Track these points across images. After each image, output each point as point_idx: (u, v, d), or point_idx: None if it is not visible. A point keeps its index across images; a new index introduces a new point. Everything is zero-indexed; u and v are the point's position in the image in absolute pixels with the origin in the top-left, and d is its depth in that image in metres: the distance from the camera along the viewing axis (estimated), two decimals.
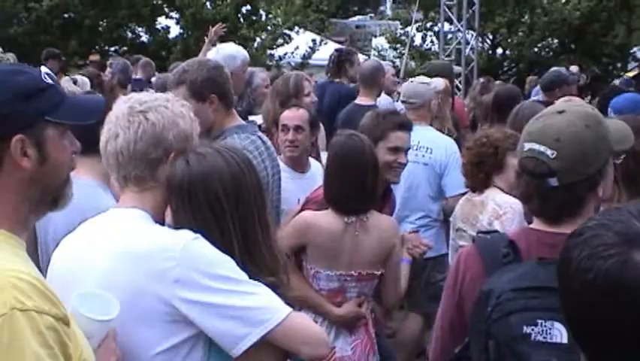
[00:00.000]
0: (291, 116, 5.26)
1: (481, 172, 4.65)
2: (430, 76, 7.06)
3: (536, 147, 2.46)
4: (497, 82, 11.48)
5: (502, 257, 2.52)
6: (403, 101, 6.24)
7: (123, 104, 2.60)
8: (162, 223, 2.58)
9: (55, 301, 1.82)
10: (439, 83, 6.70)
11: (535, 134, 2.49)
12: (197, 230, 2.49)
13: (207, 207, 2.55)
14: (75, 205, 2.17)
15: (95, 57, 14.86)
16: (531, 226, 2.66)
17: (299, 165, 5.22)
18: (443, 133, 6.21)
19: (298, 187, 4.87)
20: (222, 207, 2.54)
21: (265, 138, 4.34)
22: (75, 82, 7.09)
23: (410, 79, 6.69)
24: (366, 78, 7.42)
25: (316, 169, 5.25)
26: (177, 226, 2.55)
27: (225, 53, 6.04)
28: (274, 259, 2.63)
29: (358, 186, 4.01)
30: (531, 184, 2.50)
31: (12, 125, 1.91)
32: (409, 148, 4.63)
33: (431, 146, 5.91)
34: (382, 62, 9.15)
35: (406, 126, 4.58)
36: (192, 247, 2.42)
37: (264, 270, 2.56)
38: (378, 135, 4.48)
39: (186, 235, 2.45)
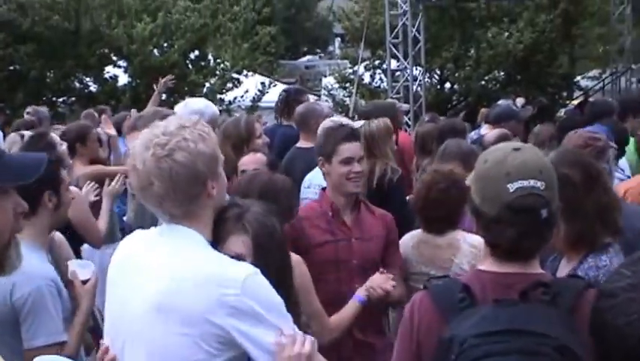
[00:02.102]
0: (250, 160, 5.33)
1: (445, 212, 4.61)
2: (374, 116, 7.07)
3: (525, 183, 2.47)
4: (442, 118, 11.57)
5: (458, 302, 2.51)
6: None
7: (145, 150, 2.59)
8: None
9: None
10: (358, 123, 6.68)
11: (517, 172, 2.48)
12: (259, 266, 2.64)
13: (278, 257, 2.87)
14: None
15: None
16: (481, 268, 2.65)
17: None
18: (386, 172, 6.17)
19: None
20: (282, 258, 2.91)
21: None
22: (22, 137, 6.99)
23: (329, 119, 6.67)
24: (299, 122, 7.40)
25: None
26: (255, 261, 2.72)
27: (193, 108, 5.98)
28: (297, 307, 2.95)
29: None
30: (522, 223, 2.48)
31: None
32: (361, 157, 4.71)
33: (323, 183, 5.89)
34: (324, 103, 9.13)
35: (354, 136, 4.72)
36: (254, 280, 2.55)
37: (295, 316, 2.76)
38: (329, 151, 4.66)
39: (248, 267, 2.58)
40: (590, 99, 21.63)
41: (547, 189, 2.49)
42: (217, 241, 2.85)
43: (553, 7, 22.90)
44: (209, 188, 2.64)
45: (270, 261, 2.82)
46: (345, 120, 6.33)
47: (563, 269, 3.30)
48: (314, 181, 6.11)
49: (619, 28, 21.34)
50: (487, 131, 8.10)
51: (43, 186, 3.74)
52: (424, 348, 2.61)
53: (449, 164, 5.05)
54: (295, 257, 3.76)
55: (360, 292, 4.33)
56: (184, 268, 2.56)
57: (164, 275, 2.56)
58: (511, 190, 2.46)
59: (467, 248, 4.47)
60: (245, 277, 2.53)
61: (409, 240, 4.81)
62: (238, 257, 2.77)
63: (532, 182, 2.47)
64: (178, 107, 6.10)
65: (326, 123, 6.26)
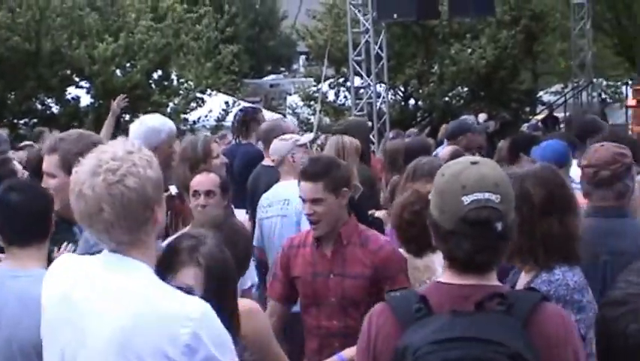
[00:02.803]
0: (202, 181, 5.23)
1: (418, 233, 4.56)
2: (348, 133, 7.08)
3: (480, 196, 2.47)
4: (407, 134, 11.60)
5: (414, 312, 2.50)
6: (272, 160, 6.27)
7: (94, 176, 2.54)
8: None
9: None
10: (306, 137, 6.67)
11: (473, 186, 2.49)
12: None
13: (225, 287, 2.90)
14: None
15: None
16: (439, 280, 2.68)
17: None
18: None
19: None
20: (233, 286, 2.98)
21: None
22: None
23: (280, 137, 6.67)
24: (264, 139, 7.39)
25: None
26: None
27: (149, 125, 5.83)
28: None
29: None
30: (477, 236, 2.49)
31: None
32: (317, 199, 4.40)
33: (288, 197, 5.87)
34: (288, 120, 9.15)
35: (304, 175, 4.47)
36: (208, 317, 2.54)
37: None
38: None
39: (202, 304, 2.56)
40: (555, 114, 22.02)
41: (502, 203, 2.50)
42: (167, 270, 2.82)
43: (515, 23, 23.19)
44: (156, 214, 2.62)
45: (223, 296, 2.83)
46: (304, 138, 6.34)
47: (521, 283, 3.31)
48: (275, 198, 6.09)
49: (580, 44, 21.58)
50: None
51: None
52: (381, 359, 2.60)
53: (420, 181, 4.99)
54: (253, 306, 3.74)
55: (346, 354, 4.13)
56: (141, 306, 2.53)
57: (120, 313, 2.52)
58: (467, 203, 2.47)
59: (441, 271, 4.42)
60: (199, 315, 2.52)
61: None
62: (188, 290, 2.73)
63: (487, 195, 2.48)
64: (134, 126, 6.00)
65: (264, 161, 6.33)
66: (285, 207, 5.94)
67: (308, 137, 6.76)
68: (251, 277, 5.07)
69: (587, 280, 3.33)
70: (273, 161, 6.29)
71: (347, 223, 4.48)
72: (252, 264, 5.07)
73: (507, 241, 2.56)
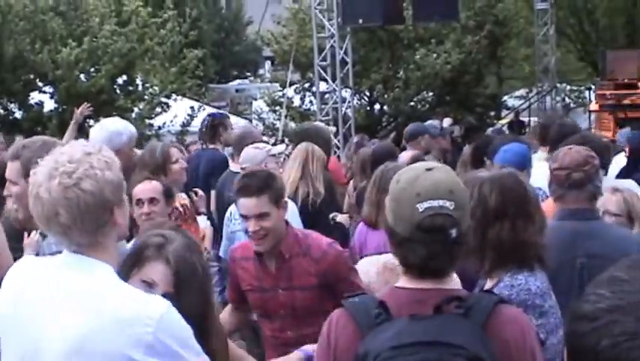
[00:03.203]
0: (144, 189, 5.22)
1: None
2: (310, 138, 7.07)
3: (435, 203, 2.49)
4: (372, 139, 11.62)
5: (374, 318, 2.52)
6: (241, 168, 6.14)
7: (50, 179, 2.51)
8: None
9: None
10: (279, 147, 6.64)
11: (427, 193, 2.51)
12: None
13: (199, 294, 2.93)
14: None
15: None
16: (397, 285, 2.68)
17: None
18: (309, 194, 6.17)
19: None
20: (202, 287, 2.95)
21: None
22: None
23: (251, 145, 6.64)
24: (234, 145, 7.38)
25: None
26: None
27: (110, 129, 5.86)
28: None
29: None
30: (432, 242, 2.51)
31: None
32: (263, 213, 4.22)
33: None
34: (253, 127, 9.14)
35: (245, 191, 4.26)
36: (170, 316, 2.52)
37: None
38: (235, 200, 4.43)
39: (161, 302, 2.53)
40: (521, 118, 22.18)
41: (457, 210, 2.52)
42: (135, 264, 2.83)
43: (479, 28, 23.31)
44: (115, 216, 2.60)
45: (191, 298, 2.83)
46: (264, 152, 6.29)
47: (486, 287, 3.32)
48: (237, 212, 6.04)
49: (543, 49, 21.76)
50: (410, 148, 8.23)
51: None
52: None
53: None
54: None
55: (310, 348, 3.95)
56: (101, 307, 2.51)
57: (81, 315, 2.50)
58: (421, 210, 2.49)
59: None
60: (160, 315, 2.50)
61: (371, 266, 4.65)
62: (150, 285, 2.73)
63: (441, 202, 2.50)
64: (94, 130, 5.98)
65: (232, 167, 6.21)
66: None
67: (280, 148, 6.72)
68: None
69: (564, 283, 3.35)
70: (242, 169, 6.23)
71: (287, 236, 4.33)
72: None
73: (462, 246, 2.59)
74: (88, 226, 2.53)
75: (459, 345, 2.38)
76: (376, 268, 4.37)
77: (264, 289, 4.39)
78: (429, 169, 2.59)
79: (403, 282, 2.64)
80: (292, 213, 5.17)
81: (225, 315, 4.56)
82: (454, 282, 2.68)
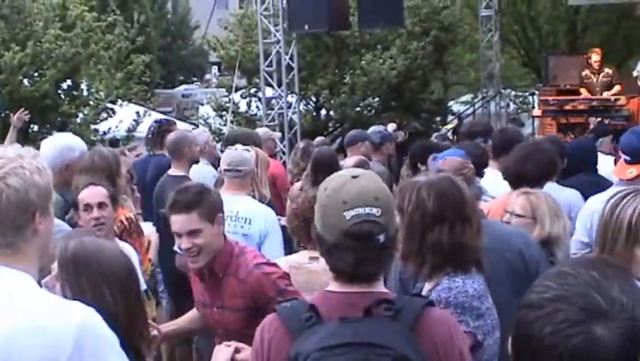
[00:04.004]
0: (92, 193, 5.18)
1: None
2: (241, 142, 7.09)
3: (361, 210, 2.54)
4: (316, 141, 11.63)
5: (304, 321, 2.57)
6: (227, 170, 6.03)
7: None
8: None
9: None
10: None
11: (354, 200, 2.55)
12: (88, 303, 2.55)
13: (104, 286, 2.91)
14: None
15: None
16: (328, 289, 2.73)
17: None
18: (254, 198, 6.19)
19: None
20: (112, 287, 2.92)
21: None
22: None
23: (230, 146, 6.62)
24: (171, 150, 7.37)
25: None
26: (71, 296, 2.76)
27: (62, 143, 5.85)
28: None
29: None
30: (360, 249, 2.56)
31: None
32: (194, 230, 4.13)
33: (250, 216, 5.80)
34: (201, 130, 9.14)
35: (175, 208, 4.15)
36: (89, 322, 2.45)
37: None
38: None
39: (82, 309, 2.47)
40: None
41: (383, 215, 2.57)
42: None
43: (425, 34, 23.49)
44: (36, 222, 2.53)
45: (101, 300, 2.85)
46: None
47: (425, 291, 3.37)
48: (233, 214, 5.97)
49: (488, 55, 21.98)
50: (350, 154, 8.33)
51: None
52: None
53: None
54: None
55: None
56: (20, 317, 2.43)
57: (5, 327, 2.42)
58: (348, 218, 2.54)
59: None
60: (80, 322, 2.43)
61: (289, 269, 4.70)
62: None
63: (367, 209, 2.54)
64: (45, 143, 5.96)
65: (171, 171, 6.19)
66: (246, 225, 5.78)
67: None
68: None
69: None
70: (227, 171, 6.06)
71: (222, 252, 4.22)
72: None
73: (389, 251, 2.65)
74: (6, 224, 2.47)
75: (387, 346, 2.43)
76: (285, 269, 4.44)
77: (205, 304, 4.37)
78: (355, 177, 2.63)
79: (334, 286, 2.69)
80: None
81: (191, 316, 4.58)
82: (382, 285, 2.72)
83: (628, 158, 5.17)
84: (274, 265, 4.31)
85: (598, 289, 1.63)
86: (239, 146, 6.39)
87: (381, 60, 22.34)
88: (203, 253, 4.16)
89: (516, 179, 5.39)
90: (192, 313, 4.60)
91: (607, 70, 15.53)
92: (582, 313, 1.60)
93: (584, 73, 15.46)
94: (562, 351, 1.58)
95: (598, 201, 5.20)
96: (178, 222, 4.13)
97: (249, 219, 5.79)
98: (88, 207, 5.13)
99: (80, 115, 20.39)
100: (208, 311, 4.35)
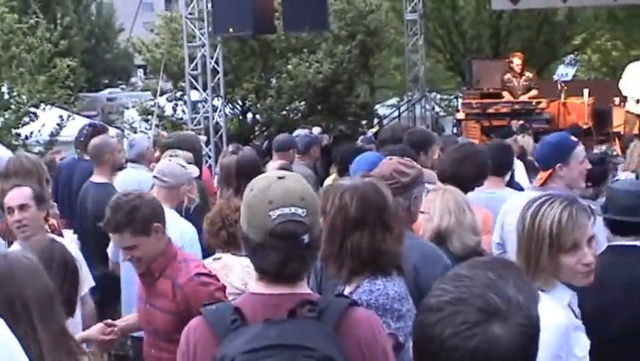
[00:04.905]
0: (13, 196, 5.16)
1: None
2: (177, 147, 7.04)
3: (287, 210, 2.56)
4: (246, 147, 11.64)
5: (229, 324, 2.57)
6: (155, 177, 6.00)
7: None
8: None
9: None
10: (195, 170, 6.53)
11: (279, 200, 2.57)
12: None
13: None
14: None
15: None
16: (252, 291, 2.76)
17: None
18: (183, 200, 6.15)
19: None
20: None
21: None
22: None
23: (169, 157, 6.52)
24: (92, 155, 7.26)
25: None
26: None
27: None
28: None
29: None
30: (286, 248, 2.58)
31: None
32: (129, 246, 4.31)
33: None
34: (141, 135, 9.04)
35: (108, 227, 4.33)
36: None
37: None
38: None
39: None
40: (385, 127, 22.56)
41: (308, 216, 2.59)
42: None
43: (351, 38, 23.61)
44: None
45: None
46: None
47: (346, 292, 3.39)
48: None
49: (413, 59, 22.18)
50: (277, 159, 8.37)
51: None
52: None
53: None
54: None
55: None
56: None
57: None
58: (273, 217, 2.56)
59: (240, 268, 4.54)
60: None
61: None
62: None
63: (292, 209, 2.57)
64: None
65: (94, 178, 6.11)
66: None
67: (195, 170, 6.55)
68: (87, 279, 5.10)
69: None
70: (159, 179, 6.01)
71: (163, 254, 4.35)
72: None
73: (314, 251, 2.68)
74: None
75: (311, 347, 2.45)
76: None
77: (141, 298, 4.46)
78: (281, 178, 2.65)
79: (258, 288, 2.70)
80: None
81: None
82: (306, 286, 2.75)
83: (537, 164, 5.38)
84: (214, 277, 4.37)
85: (494, 289, 1.67)
86: (179, 158, 6.31)
87: (307, 64, 22.38)
88: (142, 261, 4.33)
89: (453, 181, 5.44)
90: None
91: (528, 74, 15.82)
92: (480, 314, 1.63)
93: (506, 76, 15.71)
94: (462, 353, 1.62)
95: (510, 203, 5.35)
96: (114, 239, 4.42)
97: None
98: (10, 210, 5.12)
99: (1, 119, 19.98)
100: (142, 307, 4.43)
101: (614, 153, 12.00)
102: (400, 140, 7.11)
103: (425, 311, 1.70)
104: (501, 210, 5.43)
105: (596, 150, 8.82)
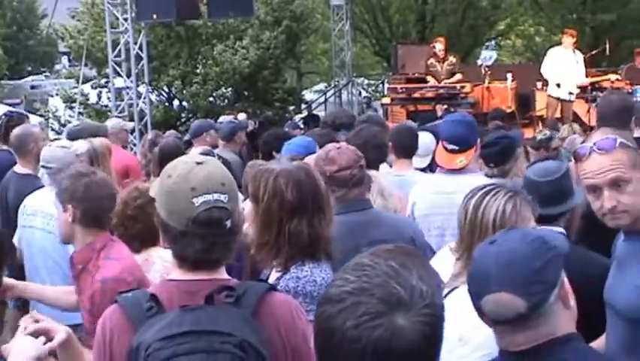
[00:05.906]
0: None
1: (142, 228, 4.51)
2: (85, 136, 6.93)
3: (210, 197, 2.53)
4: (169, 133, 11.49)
5: (146, 311, 2.54)
6: (42, 166, 5.85)
7: None
8: None
9: None
10: (82, 145, 6.40)
11: (201, 187, 2.53)
12: None
13: None
14: None
15: None
16: (169, 278, 2.72)
17: None
18: None
19: None
20: None
21: None
22: None
23: (49, 143, 6.39)
24: (15, 146, 7.06)
25: None
26: None
27: None
28: None
29: None
30: (209, 235, 2.55)
31: None
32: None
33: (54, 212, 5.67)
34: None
35: None
36: None
37: None
38: None
39: None
40: (316, 112, 22.61)
41: (230, 201, 2.58)
42: None
43: (277, 24, 23.55)
44: None
45: None
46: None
47: (271, 280, 3.37)
48: (40, 208, 5.69)
49: (340, 44, 22.23)
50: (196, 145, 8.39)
51: None
52: (117, 360, 2.62)
53: None
54: None
55: None
56: None
57: None
58: (197, 204, 2.52)
59: (160, 263, 4.45)
60: None
61: None
62: None
63: (215, 195, 2.54)
64: None
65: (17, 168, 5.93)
66: (51, 222, 5.45)
67: (83, 146, 6.41)
68: None
69: None
70: (47, 168, 5.83)
71: (87, 245, 4.01)
72: None
73: (235, 236, 2.65)
74: None
75: (227, 333, 2.43)
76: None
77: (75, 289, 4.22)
78: (199, 163, 2.61)
79: (175, 274, 2.67)
80: None
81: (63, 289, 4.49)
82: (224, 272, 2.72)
83: (454, 147, 5.12)
84: (130, 284, 3.86)
85: (397, 278, 1.64)
86: (56, 142, 6.19)
87: (233, 50, 22.26)
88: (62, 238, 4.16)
89: None
90: (67, 288, 4.42)
91: (451, 58, 15.96)
92: (382, 305, 1.60)
93: (429, 61, 15.81)
94: (365, 344, 1.59)
95: (420, 187, 5.40)
96: None
97: (52, 215, 5.26)
98: None
99: None
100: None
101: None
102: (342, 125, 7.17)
103: (326, 302, 1.66)
104: (411, 193, 5.42)
105: (540, 136, 8.72)
